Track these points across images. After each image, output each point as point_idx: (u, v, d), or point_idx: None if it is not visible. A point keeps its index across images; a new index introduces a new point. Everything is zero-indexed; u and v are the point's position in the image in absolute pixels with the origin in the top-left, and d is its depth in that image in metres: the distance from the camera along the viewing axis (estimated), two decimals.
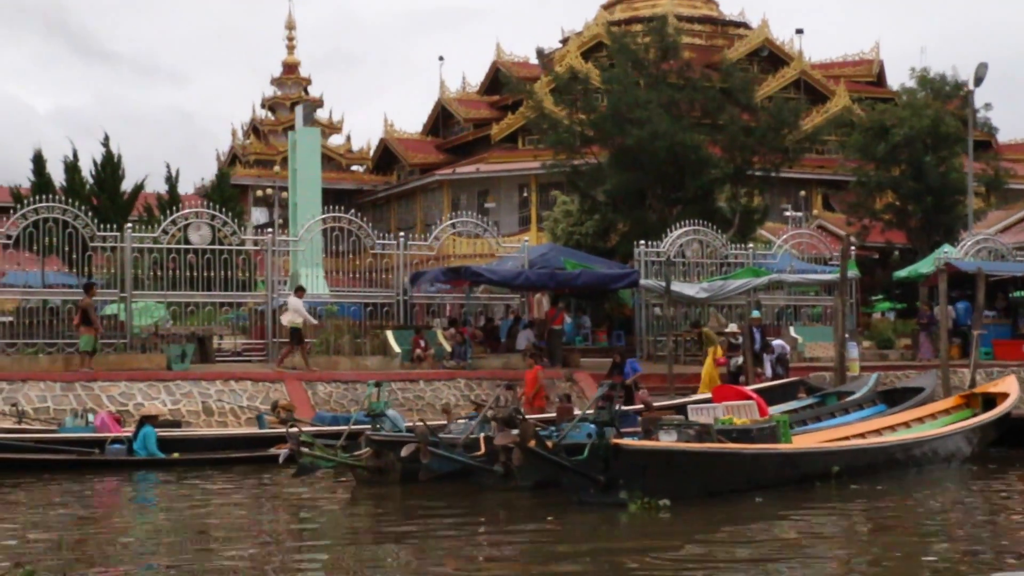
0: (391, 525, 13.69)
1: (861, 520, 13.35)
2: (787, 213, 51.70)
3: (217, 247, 28.64)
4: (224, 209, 30.11)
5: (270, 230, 29.86)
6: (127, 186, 36.94)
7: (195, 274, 28.41)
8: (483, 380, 26.93)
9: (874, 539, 12.19)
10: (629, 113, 35.79)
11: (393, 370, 27.19)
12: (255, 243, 29.27)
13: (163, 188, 39.11)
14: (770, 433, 15.06)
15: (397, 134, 65.61)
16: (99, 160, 35.66)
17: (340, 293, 30.95)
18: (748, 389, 19.69)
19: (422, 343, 28.30)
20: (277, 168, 59.66)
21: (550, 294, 31.09)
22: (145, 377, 24.48)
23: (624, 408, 19.91)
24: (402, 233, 31.09)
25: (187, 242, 28.54)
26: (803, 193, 55.28)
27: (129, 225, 27.80)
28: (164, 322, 29.70)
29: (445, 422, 19.06)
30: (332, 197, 61.99)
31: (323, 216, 30.56)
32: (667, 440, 13.90)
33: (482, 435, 15.71)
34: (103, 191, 34.04)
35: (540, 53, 58.76)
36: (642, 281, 31.62)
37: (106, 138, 35.90)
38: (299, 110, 37.35)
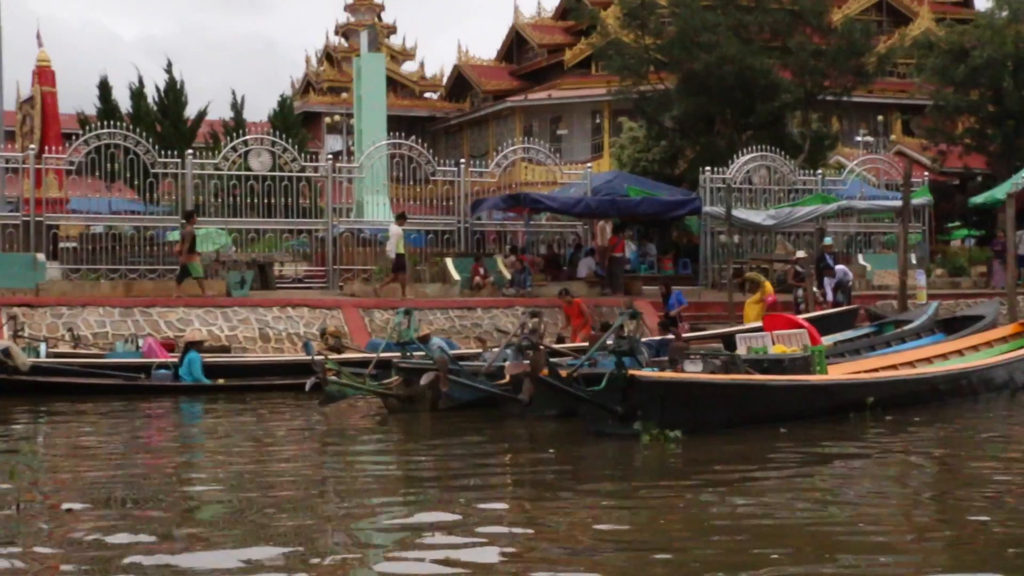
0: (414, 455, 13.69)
1: (877, 451, 13.07)
2: (860, 138, 50.60)
3: (277, 174, 28.75)
4: (285, 136, 30.17)
5: (338, 156, 29.80)
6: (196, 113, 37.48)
7: (256, 201, 28.62)
8: (542, 308, 26.82)
9: (880, 471, 11.94)
10: (697, 37, 35.16)
11: (452, 297, 27.30)
12: (315, 170, 29.28)
13: (231, 115, 39.45)
14: (802, 364, 14.74)
15: (471, 60, 65.23)
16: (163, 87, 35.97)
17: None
18: (800, 318, 19.33)
19: (481, 271, 28.28)
20: (347, 95, 59.54)
21: (613, 221, 30.84)
22: (203, 303, 24.70)
23: (666, 338, 19.89)
24: (462, 160, 30.79)
25: (248, 169, 28.70)
26: (881, 118, 54.04)
27: (190, 152, 27.95)
28: (227, 249, 30.00)
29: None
30: (405, 124, 62.20)
31: (384, 142, 30.44)
32: (692, 371, 13.64)
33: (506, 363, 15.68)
34: (166, 118, 34.27)
35: None
36: (705, 208, 31.34)
37: (169, 64, 36.31)
38: (363, 35, 37.22)
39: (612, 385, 13.14)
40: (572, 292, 24.54)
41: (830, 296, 25.34)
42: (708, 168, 32.38)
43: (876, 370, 16.57)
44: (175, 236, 29.02)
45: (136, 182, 27.54)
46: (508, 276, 28.54)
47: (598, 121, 56.07)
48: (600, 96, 49.31)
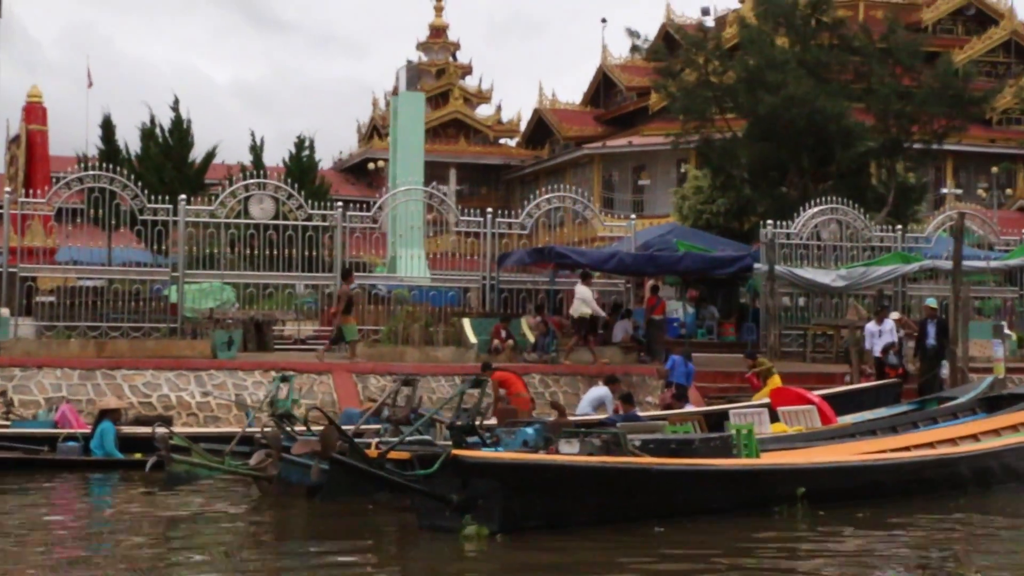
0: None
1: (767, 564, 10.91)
2: (981, 191, 47.71)
3: (279, 222, 27.37)
4: (296, 182, 28.83)
5: (340, 205, 28.23)
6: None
7: (257, 253, 27.32)
8: (560, 376, 24.94)
9: None
10: (763, 76, 33.07)
11: (466, 362, 25.52)
12: (324, 219, 27.76)
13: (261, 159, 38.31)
14: (720, 446, 12.99)
15: (554, 105, 63.66)
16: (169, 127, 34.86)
17: (412, 278, 29.37)
18: (814, 394, 18.02)
19: (503, 333, 26.45)
20: None
21: (655, 280, 28.89)
22: (175, 366, 23.35)
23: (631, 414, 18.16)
24: (488, 210, 29.09)
25: (248, 217, 27.37)
26: (995, 169, 50.98)
27: (183, 197, 26.62)
28: (231, 305, 28.69)
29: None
30: (476, 172, 60.97)
31: (402, 189, 28.82)
32: (568, 451, 12.17)
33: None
34: (169, 160, 33.18)
35: (705, 12, 55.96)
36: (756, 266, 29.10)
37: (176, 101, 35.11)
38: (401, 71, 35.76)
39: (446, 468, 11.30)
40: (507, 365, 23.15)
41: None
42: (770, 222, 30.11)
43: (870, 452, 14.45)
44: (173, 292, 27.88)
45: (122, 230, 26.24)
46: (532, 339, 26.66)
47: (683, 171, 54.05)
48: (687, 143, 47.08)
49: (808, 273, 29.41)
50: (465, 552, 11.17)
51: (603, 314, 26.43)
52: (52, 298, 26.20)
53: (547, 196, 29.37)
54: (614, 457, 12.17)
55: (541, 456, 12.12)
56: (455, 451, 11.52)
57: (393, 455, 12.14)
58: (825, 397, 19.07)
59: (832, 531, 12.37)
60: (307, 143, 37.99)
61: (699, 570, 10.57)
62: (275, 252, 27.17)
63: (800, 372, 26.04)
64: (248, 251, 27.08)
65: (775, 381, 21.98)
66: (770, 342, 29.54)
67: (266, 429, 16.55)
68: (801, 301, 30.82)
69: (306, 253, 27.32)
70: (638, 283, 28.48)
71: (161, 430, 14.52)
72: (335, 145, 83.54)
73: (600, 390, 22.10)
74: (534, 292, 29.24)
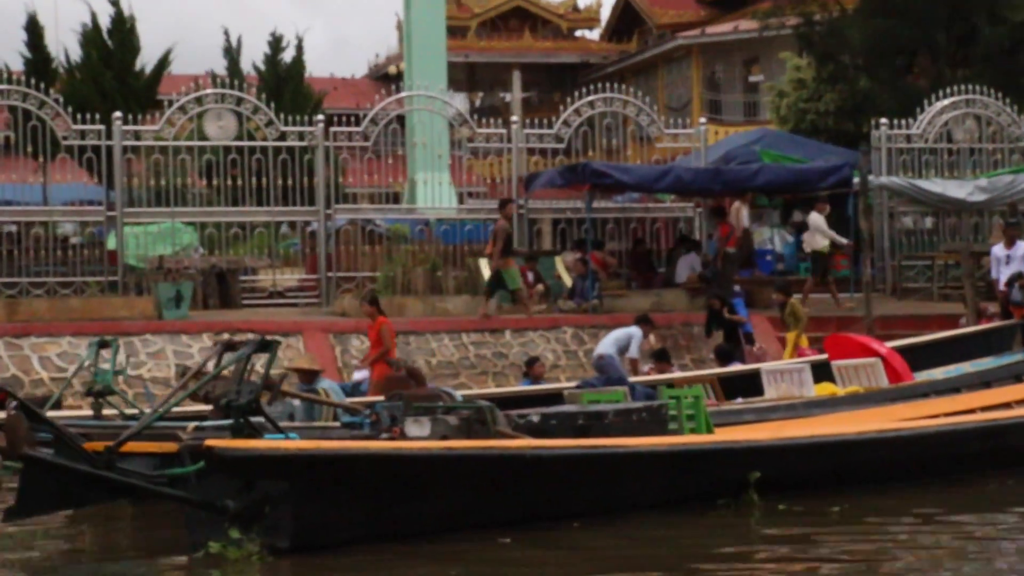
0: None
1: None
2: None
3: (244, 144, 26.72)
4: (267, 93, 28.07)
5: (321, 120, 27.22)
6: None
7: (219, 183, 26.92)
8: (599, 329, 23.85)
9: None
10: None
11: (477, 314, 24.62)
12: (301, 137, 26.85)
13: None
14: (647, 420, 12.06)
15: None
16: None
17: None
18: (879, 342, 17.44)
19: (530, 276, 25.47)
20: (468, 38, 57.38)
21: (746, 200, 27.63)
22: (102, 330, 22.61)
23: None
24: (514, 119, 27.96)
25: (204, 138, 26.66)
26: None
27: (118, 115, 25.86)
28: (192, 251, 28.06)
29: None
30: (549, 75, 59.69)
31: (396, 96, 27.79)
32: (416, 433, 11.48)
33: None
34: (110, 69, 32.31)
35: None
36: (878, 179, 27.71)
37: None
38: None
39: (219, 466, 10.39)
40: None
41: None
42: (884, 121, 28.72)
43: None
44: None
45: (42, 158, 25.73)
46: (568, 283, 25.68)
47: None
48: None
49: (936, 185, 28.43)
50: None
51: (844, 242, 26.27)
52: None
53: (589, 98, 28.13)
54: (473, 441, 11.33)
55: (345, 445, 11.15)
56: (210, 442, 10.44)
57: (139, 448, 11.13)
58: (913, 347, 18.42)
59: (783, 534, 11.39)
60: (286, 43, 36.95)
61: None
62: (240, 182, 26.51)
63: (919, 315, 25.37)
64: (205, 182, 26.35)
65: (793, 338, 21.18)
66: (887, 276, 28.45)
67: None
68: (928, 222, 29.93)
69: (280, 182, 26.50)
70: (716, 207, 27.23)
71: None
72: (375, 49, 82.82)
73: (627, 329, 21.08)
74: (576, 223, 28.10)
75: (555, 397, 15.43)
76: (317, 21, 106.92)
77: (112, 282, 25.60)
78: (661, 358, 19.97)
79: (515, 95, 57.36)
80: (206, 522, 10.58)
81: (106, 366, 14.88)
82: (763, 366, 17.52)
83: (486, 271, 25.79)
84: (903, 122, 28.98)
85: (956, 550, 10.83)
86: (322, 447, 10.84)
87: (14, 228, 27.05)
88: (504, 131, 27.87)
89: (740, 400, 16.13)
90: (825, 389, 15.99)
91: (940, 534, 11.39)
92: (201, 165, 26.72)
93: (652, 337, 21.60)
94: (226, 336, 16.25)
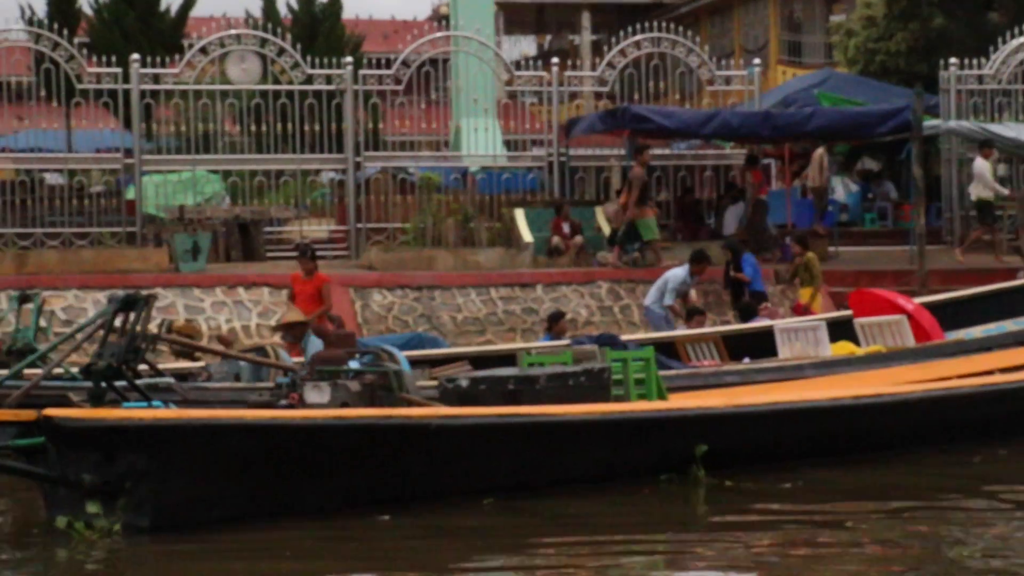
0: None
1: None
2: None
3: (268, 87, 26.07)
4: (300, 35, 27.28)
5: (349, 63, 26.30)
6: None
7: (243, 129, 26.85)
8: (638, 284, 22.97)
9: None
10: None
11: (518, 267, 24.05)
12: (328, 80, 26.01)
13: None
14: (584, 386, 11.13)
15: None
16: None
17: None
18: (906, 298, 16.65)
19: (565, 227, 24.57)
20: None
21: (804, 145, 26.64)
22: (109, 283, 22.15)
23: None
24: (555, 60, 26.87)
25: (226, 82, 26.02)
26: None
27: (135, 57, 25.16)
28: (219, 201, 27.46)
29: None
30: (620, 16, 58.17)
31: (427, 38, 26.83)
32: (315, 400, 11.03)
33: None
34: (132, 9, 31.48)
35: None
36: (946, 123, 26.49)
37: None
38: None
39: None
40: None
41: None
42: (954, 61, 27.41)
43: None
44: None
45: (56, 103, 25.28)
46: (608, 234, 24.82)
47: None
48: None
49: (1010, 130, 26.78)
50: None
51: (1006, 192, 25.79)
52: None
53: (634, 38, 27.04)
54: (368, 409, 10.66)
55: (208, 414, 10.23)
56: (48, 411, 9.71)
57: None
58: (951, 302, 17.57)
59: (724, 519, 10.41)
60: None
61: None
62: (265, 128, 25.93)
63: (984, 269, 23.98)
64: (223, 128, 25.85)
65: (806, 295, 20.39)
66: (955, 228, 27.26)
67: None
68: (1001, 170, 28.58)
69: (307, 128, 25.71)
70: (749, 154, 26.25)
71: None
72: None
73: (668, 272, 20.60)
74: (623, 171, 27.07)
75: None
76: None
77: (131, 233, 25.00)
78: (691, 317, 18.92)
79: (584, 37, 56.10)
80: (66, 497, 9.89)
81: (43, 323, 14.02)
82: (777, 324, 16.63)
83: (521, 223, 25.02)
84: (975, 62, 27.63)
85: (903, 536, 9.89)
86: (181, 416, 10.07)
87: (58, 178, 26.70)
88: (544, 74, 26.89)
89: (747, 360, 15.15)
90: (843, 348, 15.15)
91: (891, 518, 10.40)
92: (224, 110, 25.79)
93: (694, 293, 20.67)
94: (158, 290, 15.36)
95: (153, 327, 20.37)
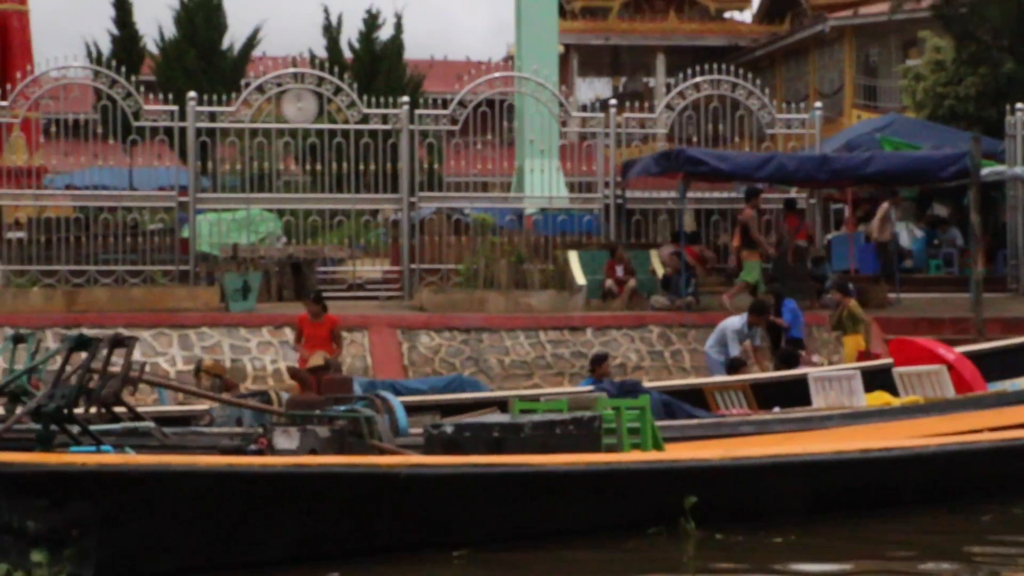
0: None
1: None
2: None
3: (324, 126, 26.13)
4: (366, 73, 27.31)
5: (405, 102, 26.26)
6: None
7: (304, 166, 26.81)
8: (689, 329, 22.75)
9: None
10: None
11: (569, 311, 23.85)
12: (384, 120, 26.00)
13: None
14: (574, 435, 10.83)
15: None
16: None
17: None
18: (947, 347, 16.17)
19: (619, 271, 24.38)
20: (613, 18, 56.11)
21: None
22: (157, 322, 22.22)
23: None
24: (612, 100, 26.69)
25: (282, 120, 26.10)
26: None
27: (192, 95, 25.25)
28: (274, 241, 27.45)
29: None
30: (695, 58, 57.92)
31: (483, 79, 26.73)
32: (285, 446, 10.81)
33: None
34: (194, 47, 31.66)
35: None
36: (1013, 169, 26.16)
37: None
38: None
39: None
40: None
41: None
42: (1021, 106, 27.08)
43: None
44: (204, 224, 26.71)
45: (112, 140, 25.42)
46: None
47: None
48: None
49: None
50: None
51: None
52: (22, 233, 25.32)
53: (693, 80, 26.84)
54: (332, 457, 10.32)
55: (157, 460, 9.82)
56: None
57: None
58: (997, 351, 17.15)
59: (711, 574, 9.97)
60: (382, 19, 36.04)
61: None
62: (320, 168, 25.97)
63: None
64: (279, 167, 25.81)
65: (852, 343, 20.02)
66: (1020, 275, 26.85)
67: None
68: None
69: (362, 167, 25.72)
70: (789, 199, 26.02)
71: None
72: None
73: (724, 322, 20.30)
74: (677, 214, 26.79)
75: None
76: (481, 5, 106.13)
77: (184, 272, 25.06)
78: (737, 369, 18.62)
79: (659, 79, 55.93)
80: (10, 545, 9.46)
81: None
82: (811, 372, 16.25)
83: (575, 265, 24.88)
84: None
85: None
86: (126, 462, 9.63)
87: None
88: (601, 115, 26.76)
89: (776, 410, 14.84)
90: (878, 399, 14.74)
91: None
92: (279, 149, 25.83)
93: (747, 344, 20.35)
94: (120, 331, 15.14)
95: (180, 364, 20.72)
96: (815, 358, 20.77)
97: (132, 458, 9.92)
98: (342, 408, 11.72)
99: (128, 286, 24.44)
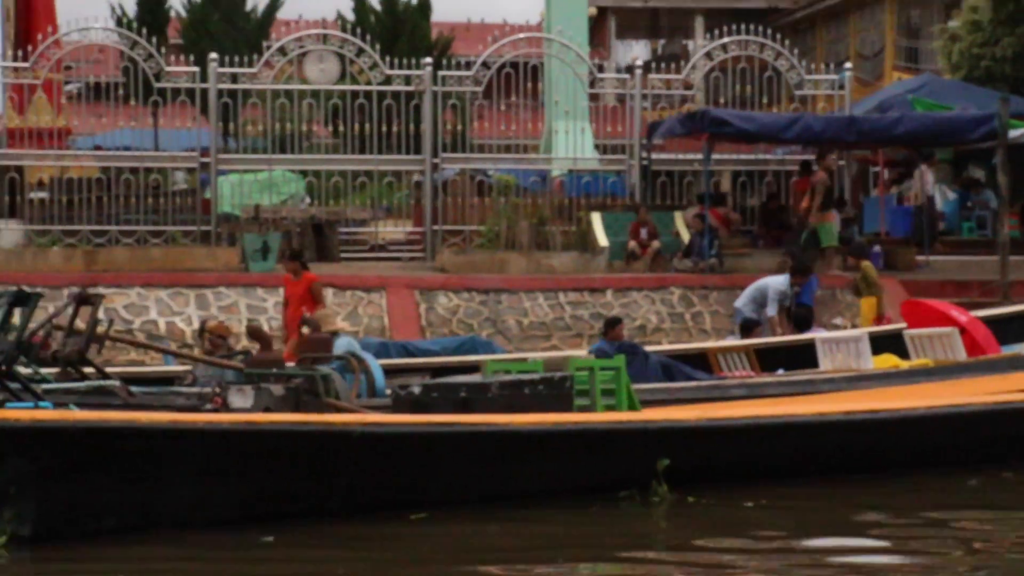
0: None
1: None
2: None
3: (346, 88, 26.09)
4: (375, 35, 27.15)
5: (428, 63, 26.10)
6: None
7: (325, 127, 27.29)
8: (711, 291, 22.58)
9: None
10: None
11: (592, 272, 23.84)
12: (407, 81, 25.84)
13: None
14: (543, 395, 10.71)
15: None
16: None
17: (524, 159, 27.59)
18: (961, 310, 16.03)
19: (643, 232, 24.19)
20: None
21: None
22: (173, 282, 22.29)
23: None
24: (638, 61, 26.50)
25: (304, 81, 26.01)
26: None
27: (214, 56, 25.17)
28: (300, 200, 27.41)
29: None
30: (734, 21, 57.38)
31: (509, 38, 26.53)
32: (239, 404, 10.64)
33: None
34: (217, 9, 31.52)
35: None
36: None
37: None
38: None
39: None
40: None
41: None
42: None
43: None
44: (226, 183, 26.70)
45: (133, 102, 25.37)
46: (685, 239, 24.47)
47: None
48: None
49: None
50: None
51: None
52: (44, 193, 25.36)
53: (721, 41, 26.60)
54: (282, 415, 10.15)
55: (96, 416, 9.59)
56: None
57: None
58: (1014, 316, 16.81)
59: (684, 539, 9.67)
60: None
61: None
62: (342, 129, 26.04)
63: None
64: (303, 128, 25.84)
65: (867, 306, 19.70)
66: None
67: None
68: None
69: (386, 129, 25.60)
70: (804, 161, 25.63)
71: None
72: None
73: (766, 280, 19.97)
74: (704, 175, 26.54)
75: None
76: None
77: (206, 233, 25.00)
78: (750, 331, 18.39)
79: (697, 42, 55.52)
80: None
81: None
82: (818, 335, 16.13)
83: (598, 227, 24.71)
84: None
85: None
86: (61, 418, 9.44)
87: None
88: (627, 76, 26.55)
89: (780, 372, 14.64)
90: (886, 361, 14.56)
91: (858, 537, 9.69)
92: (302, 110, 25.72)
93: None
94: (90, 289, 15.03)
95: (196, 323, 20.63)
96: (838, 320, 20.59)
97: (68, 414, 9.73)
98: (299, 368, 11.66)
99: (149, 246, 24.36)
